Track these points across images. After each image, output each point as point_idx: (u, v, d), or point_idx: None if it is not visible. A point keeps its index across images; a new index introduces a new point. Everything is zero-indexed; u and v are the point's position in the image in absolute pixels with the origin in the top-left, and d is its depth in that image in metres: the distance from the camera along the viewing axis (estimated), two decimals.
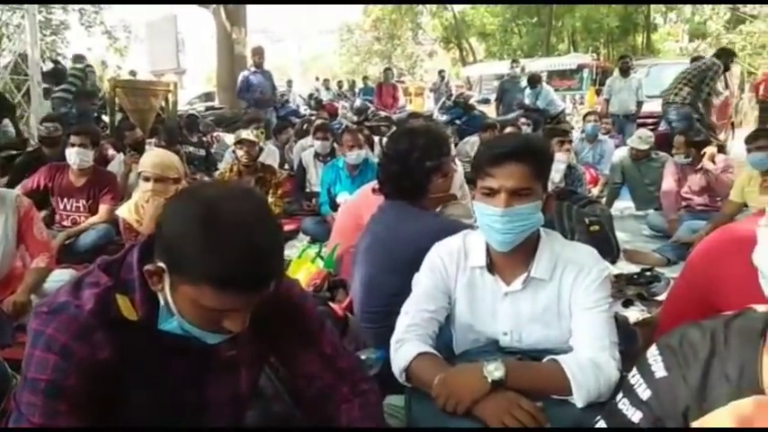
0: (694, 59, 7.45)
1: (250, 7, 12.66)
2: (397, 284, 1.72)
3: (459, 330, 1.63)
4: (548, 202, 1.52)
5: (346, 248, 2.62)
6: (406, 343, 1.49)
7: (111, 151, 5.35)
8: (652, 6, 25.44)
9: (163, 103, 7.95)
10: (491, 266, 1.55)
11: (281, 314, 1.21)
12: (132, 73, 14.24)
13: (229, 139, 6.56)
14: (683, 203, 4.54)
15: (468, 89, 19.18)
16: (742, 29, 17.70)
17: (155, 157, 2.97)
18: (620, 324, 2.05)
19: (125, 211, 3.05)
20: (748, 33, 16.89)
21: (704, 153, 4.38)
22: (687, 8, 22.60)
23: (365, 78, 16.89)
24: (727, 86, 9.39)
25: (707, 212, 4.32)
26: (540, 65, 17.86)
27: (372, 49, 29.75)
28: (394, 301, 1.66)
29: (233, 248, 0.92)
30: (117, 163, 4.76)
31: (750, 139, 3.79)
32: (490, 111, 9.98)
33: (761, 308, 0.88)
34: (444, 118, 8.86)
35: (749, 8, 17.25)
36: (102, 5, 19.22)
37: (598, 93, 13.10)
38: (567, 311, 1.49)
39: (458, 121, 8.59)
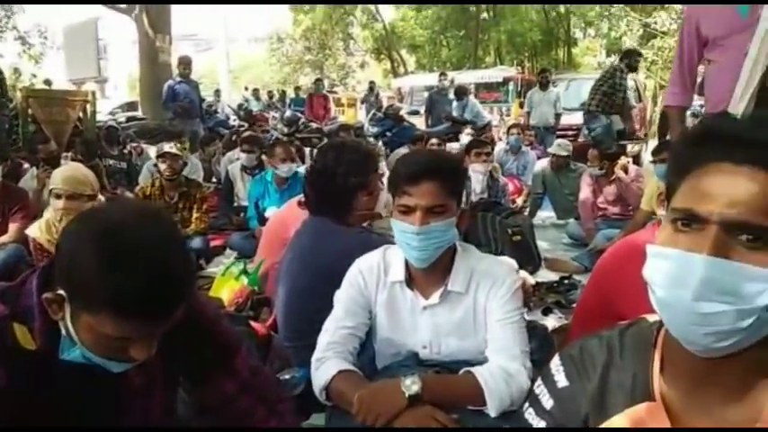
0: (605, 71, 7.88)
1: (176, 13, 12.24)
2: (319, 302, 1.72)
3: (381, 345, 1.65)
4: (462, 217, 1.57)
5: (271, 265, 2.59)
6: (326, 361, 1.50)
7: (25, 165, 5.07)
8: (572, 21, 26.78)
9: (81, 114, 7.56)
10: (410, 281, 1.59)
11: (192, 338, 1.18)
12: (47, 82, 13.52)
13: (153, 151, 6.35)
14: (600, 213, 4.77)
15: (399, 100, 19.46)
16: (654, 43, 18.85)
17: (66, 172, 2.84)
18: (538, 332, 2.15)
19: (36, 231, 2.89)
20: (659, 48, 17.99)
21: (616, 164, 4.64)
22: (604, 24, 23.86)
23: (297, 89, 16.78)
24: (640, 99, 9.99)
25: (622, 221, 4.54)
26: (468, 77, 18.40)
27: (304, 59, 29.59)
28: (316, 319, 1.66)
29: (134, 275, 0.89)
30: (29, 178, 4.50)
31: (655, 152, 4.04)
32: (420, 122, 10.17)
33: (652, 317, 0.92)
34: (375, 129, 8.95)
35: (660, 24, 18.40)
36: (13, 7, 18.06)
37: (521, 105, 13.67)
38: (483, 323, 1.55)
39: (388, 133, 8.69)
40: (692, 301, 0.71)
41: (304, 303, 1.91)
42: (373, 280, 1.61)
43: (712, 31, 2.41)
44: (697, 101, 7.61)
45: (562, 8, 25.53)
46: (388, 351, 1.64)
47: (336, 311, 1.61)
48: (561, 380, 0.96)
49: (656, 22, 18.69)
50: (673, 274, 0.73)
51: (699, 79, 2.83)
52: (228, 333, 1.31)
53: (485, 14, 25.87)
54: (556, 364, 0.99)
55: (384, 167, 4.79)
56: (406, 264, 1.58)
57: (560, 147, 5.37)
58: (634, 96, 8.42)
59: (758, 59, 1.82)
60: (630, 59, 7.00)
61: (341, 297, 1.63)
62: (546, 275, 3.77)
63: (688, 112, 3.02)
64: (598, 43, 27.00)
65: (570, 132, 8.77)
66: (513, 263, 2.71)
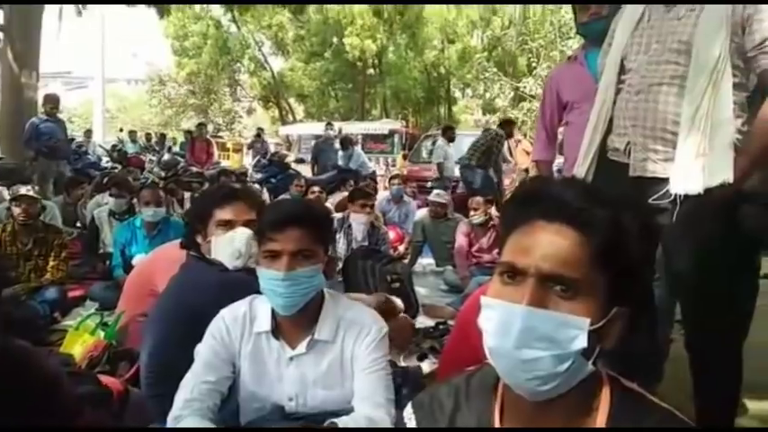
0: (485, 130, 8.56)
1: (47, 49, 11.44)
2: (183, 350, 1.62)
3: (244, 399, 1.57)
4: (329, 264, 1.57)
5: (133, 316, 2.42)
6: (183, 420, 1.40)
7: None
8: (452, 82, 28.62)
9: None
10: (277, 331, 1.54)
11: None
12: None
13: (7, 193, 5.76)
14: (474, 260, 5.01)
15: (287, 148, 19.45)
16: (524, 105, 20.60)
17: None
18: (412, 377, 2.17)
19: None
20: (529, 110, 19.68)
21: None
22: (481, 86, 25.70)
23: (188, 132, 16.12)
24: (511, 154, 10.83)
25: (495, 267, 4.78)
26: (355, 128, 18.88)
27: (188, 103, 28.82)
28: (181, 365, 1.56)
29: None
30: None
31: None
32: (306, 170, 10.21)
33: None
34: (259, 176, 8.83)
35: (528, 89, 20.17)
36: None
37: (405, 157, 14.21)
38: (350, 372, 1.53)
39: (273, 180, 8.61)
40: (514, 349, 0.76)
41: (168, 351, 1.78)
42: (238, 331, 1.55)
43: (570, 95, 2.67)
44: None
45: (443, 69, 27.26)
46: (252, 405, 1.57)
47: (196, 366, 1.52)
48: (413, 427, 0.98)
49: (525, 87, 20.47)
50: (498, 324, 0.78)
51: (561, 138, 3.11)
52: (64, 399, 1.18)
53: (371, 70, 26.93)
54: (408, 413, 1.01)
55: None
56: (273, 313, 1.54)
57: (439, 196, 5.61)
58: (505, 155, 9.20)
59: (597, 124, 2.03)
60: (508, 128, 8.02)
61: (201, 350, 1.54)
62: (424, 321, 3.84)
63: (555, 168, 3.29)
64: (475, 103, 28.98)
65: (449, 184, 9.25)
66: (399, 303, 2.75)
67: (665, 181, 1.77)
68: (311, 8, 20.66)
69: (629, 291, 0.81)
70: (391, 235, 6.25)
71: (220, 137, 20.91)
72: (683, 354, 1.95)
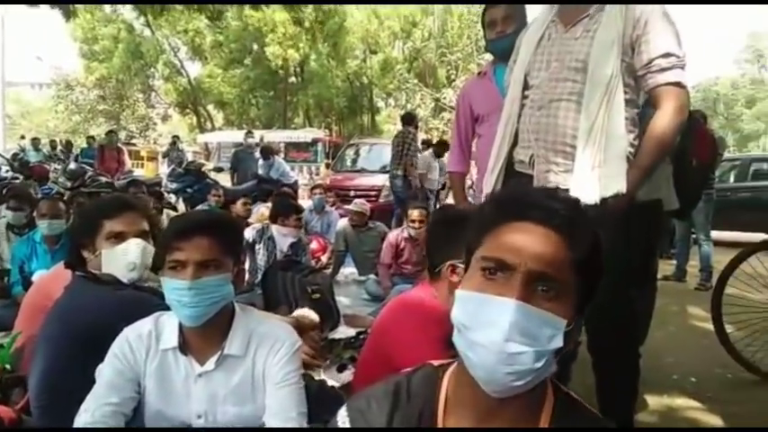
0: (395, 136, 8.72)
1: None
2: (77, 373, 1.53)
3: (150, 419, 1.50)
4: (239, 275, 1.54)
5: (30, 338, 2.24)
6: None
7: None
8: (375, 92, 28.93)
9: None
10: (184, 347, 1.49)
11: None
12: None
13: None
14: (398, 270, 5.05)
15: (205, 156, 18.88)
16: (444, 116, 21.18)
17: None
18: (327, 390, 2.15)
19: None
20: (449, 120, 20.27)
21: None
22: (402, 96, 26.17)
23: (90, 138, 15.24)
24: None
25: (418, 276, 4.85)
26: (278, 136, 18.67)
27: (97, 109, 27.35)
28: (75, 392, 1.46)
29: None
30: None
31: None
32: (225, 179, 9.94)
33: (436, 362, 0.99)
34: (174, 186, 8.49)
35: (448, 100, 20.76)
36: None
37: (327, 166, 14.18)
38: (262, 387, 1.50)
39: (189, 189, 8.31)
40: (503, 342, 0.77)
41: (61, 375, 1.67)
42: (143, 349, 1.48)
43: (480, 109, 2.77)
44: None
45: (365, 79, 27.51)
46: (159, 425, 1.50)
47: (98, 388, 1.44)
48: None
49: (445, 98, 21.05)
50: (485, 317, 0.79)
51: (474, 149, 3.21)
52: None
53: (293, 78, 26.74)
54: (342, 416, 0.99)
55: None
56: (181, 328, 1.48)
57: (358, 205, 5.63)
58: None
59: (503, 137, 2.12)
60: (412, 120, 8.10)
61: (104, 371, 1.46)
62: (345, 332, 3.83)
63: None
64: (397, 112, 29.43)
65: (372, 193, 9.32)
66: (314, 316, 2.71)
67: (566, 192, 1.87)
68: (230, 14, 20.22)
69: (590, 299, 0.86)
70: (314, 245, 6.23)
71: (133, 144, 20.00)
72: (587, 356, 2.06)
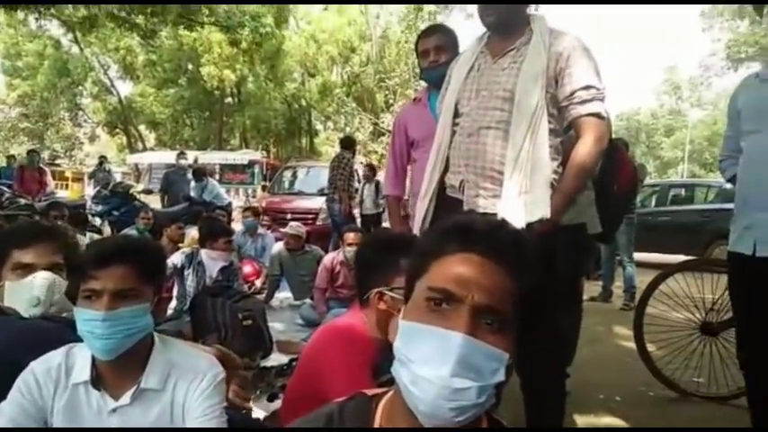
0: (332, 160, 8.75)
1: None
2: None
3: None
4: (160, 304, 1.47)
5: None
6: None
7: None
8: (313, 114, 28.92)
9: None
10: (97, 381, 1.39)
11: None
12: None
13: None
14: (334, 294, 4.99)
15: (135, 177, 18.24)
16: (382, 140, 21.38)
17: None
18: (252, 423, 2.08)
19: None
20: (387, 144, 20.47)
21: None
22: (341, 119, 26.27)
23: (9, 158, 14.34)
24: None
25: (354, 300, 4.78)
26: (213, 157, 18.31)
27: (19, 127, 25.94)
28: None
29: None
30: None
31: None
32: (156, 201, 9.61)
33: (370, 392, 0.96)
34: (100, 208, 8.11)
35: (386, 124, 21.01)
36: None
37: (264, 188, 13.98)
38: (182, 421, 1.43)
39: (116, 212, 7.95)
40: (449, 377, 0.75)
41: None
42: (51, 384, 1.38)
43: (416, 134, 2.80)
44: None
45: (304, 102, 27.49)
46: None
47: None
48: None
49: (383, 122, 21.31)
50: (431, 351, 0.77)
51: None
52: None
53: (230, 99, 26.37)
54: None
55: None
56: (94, 361, 1.39)
57: (293, 228, 5.55)
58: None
59: (435, 163, 2.16)
60: (351, 145, 8.18)
61: (5, 409, 1.35)
62: (278, 359, 3.74)
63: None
64: (336, 135, 29.49)
65: (309, 216, 9.23)
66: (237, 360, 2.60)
67: (494, 215, 1.91)
68: (164, 33, 19.78)
69: (526, 332, 0.85)
70: (247, 269, 6.08)
71: (57, 165, 19.05)
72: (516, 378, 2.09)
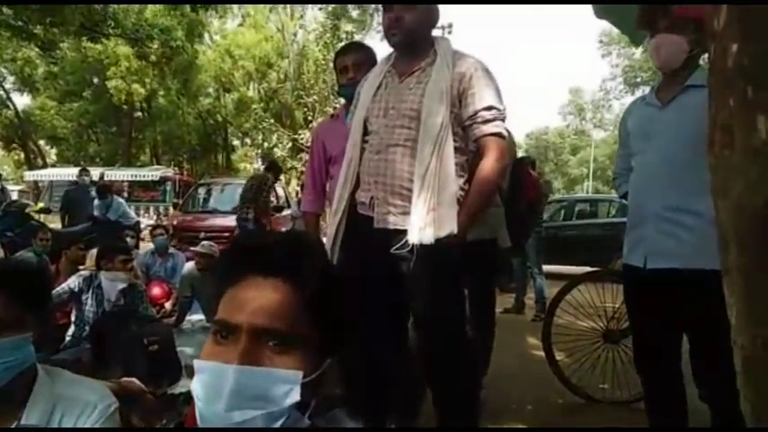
0: (250, 178, 8.62)
1: None
2: None
3: None
4: (45, 333, 1.35)
5: None
6: None
7: None
8: (230, 130, 28.27)
9: None
10: None
11: None
12: None
13: None
14: None
15: (35, 196, 17.02)
16: (302, 156, 21.22)
17: None
18: None
19: None
20: (306, 160, 20.33)
21: None
22: (259, 135, 25.83)
23: None
24: (288, 203, 11.04)
25: None
26: (122, 174, 17.43)
27: None
28: None
29: None
30: None
31: None
32: (56, 221, 8.99)
33: None
34: None
35: (306, 140, 20.88)
36: None
37: (175, 206, 13.45)
38: None
39: (9, 233, 7.34)
40: (225, 413, 0.71)
41: None
42: None
43: (333, 150, 2.78)
44: None
45: (219, 117, 26.82)
46: None
47: None
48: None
49: (302, 139, 21.17)
50: (209, 388, 0.73)
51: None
52: None
53: (139, 114, 25.28)
54: None
55: None
56: None
57: (205, 247, 5.34)
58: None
59: (345, 180, 2.16)
60: (275, 171, 8.04)
61: None
62: (187, 384, 3.56)
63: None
64: (254, 151, 28.97)
65: (224, 235, 8.94)
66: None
67: (404, 232, 1.93)
68: (66, 45, 18.71)
69: (341, 340, 0.82)
70: (156, 291, 5.78)
71: None
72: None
